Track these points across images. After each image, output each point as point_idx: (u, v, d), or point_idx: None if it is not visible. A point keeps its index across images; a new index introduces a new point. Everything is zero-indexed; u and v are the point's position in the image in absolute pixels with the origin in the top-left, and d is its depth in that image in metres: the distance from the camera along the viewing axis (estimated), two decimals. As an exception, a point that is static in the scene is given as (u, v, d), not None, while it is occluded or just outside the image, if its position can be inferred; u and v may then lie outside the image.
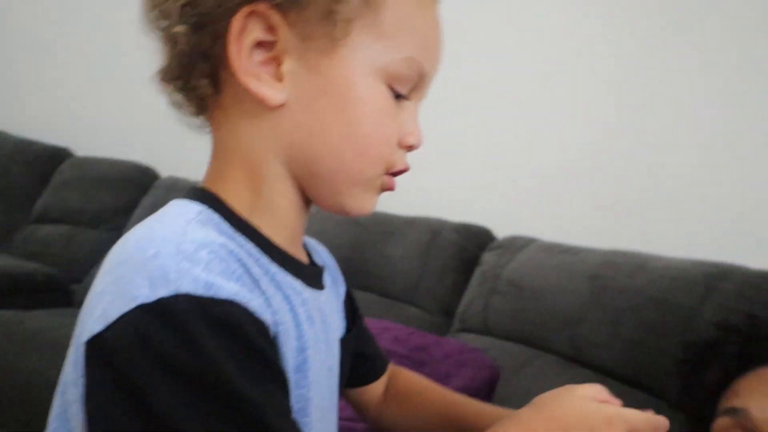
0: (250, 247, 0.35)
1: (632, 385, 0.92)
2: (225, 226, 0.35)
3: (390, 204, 1.63)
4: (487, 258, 1.33)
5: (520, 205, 1.47)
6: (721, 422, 0.48)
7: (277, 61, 0.35)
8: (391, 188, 0.40)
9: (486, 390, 1.08)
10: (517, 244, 1.30)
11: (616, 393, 0.95)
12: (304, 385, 0.35)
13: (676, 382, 0.60)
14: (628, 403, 0.97)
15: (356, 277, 1.53)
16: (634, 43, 1.25)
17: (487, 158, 1.54)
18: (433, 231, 1.45)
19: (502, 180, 1.51)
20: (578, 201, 1.35)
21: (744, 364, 0.50)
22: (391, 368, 0.56)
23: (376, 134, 0.37)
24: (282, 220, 0.38)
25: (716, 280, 0.88)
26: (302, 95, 0.35)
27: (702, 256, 0.96)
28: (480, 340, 1.21)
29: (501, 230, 1.42)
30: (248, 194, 0.37)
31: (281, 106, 0.35)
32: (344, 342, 0.46)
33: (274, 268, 0.36)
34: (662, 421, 0.38)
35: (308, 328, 0.37)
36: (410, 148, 0.40)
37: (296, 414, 0.34)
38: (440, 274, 1.39)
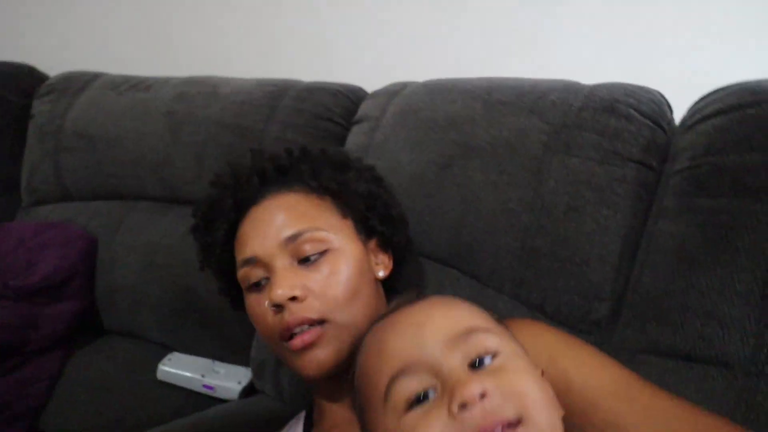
0: None
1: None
2: None
3: None
4: (40, 108, 1.06)
5: (67, 34, 1.18)
6: (242, 272, 0.53)
7: None
8: None
9: (85, 262, 0.97)
10: (75, 85, 1.08)
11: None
12: None
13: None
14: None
15: None
16: None
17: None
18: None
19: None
20: (132, 26, 1.17)
21: (239, 211, 0.56)
22: None
23: None
24: None
25: (277, 99, 0.95)
26: None
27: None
28: (62, 210, 1.04)
29: (50, 67, 1.13)
30: None
31: None
32: None
33: None
34: None
35: None
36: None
37: None
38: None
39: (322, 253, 0.52)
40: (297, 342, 0.49)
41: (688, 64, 0.82)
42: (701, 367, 0.52)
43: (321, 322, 0.50)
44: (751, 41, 0.81)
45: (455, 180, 0.69)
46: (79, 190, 1.04)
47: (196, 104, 0.98)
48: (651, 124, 0.64)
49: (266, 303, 0.51)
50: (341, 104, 0.94)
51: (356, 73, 1.01)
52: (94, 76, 1.10)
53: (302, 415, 0.56)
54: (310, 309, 0.49)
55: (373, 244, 0.58)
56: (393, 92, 0.84)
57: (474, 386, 0.36)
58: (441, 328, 0.40)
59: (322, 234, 0.52)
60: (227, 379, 0.84)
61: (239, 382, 0.83)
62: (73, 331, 0.91)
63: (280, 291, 0.49)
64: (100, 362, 0.87)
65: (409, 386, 0.39)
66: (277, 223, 0.52)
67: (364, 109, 0.87)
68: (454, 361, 0.38)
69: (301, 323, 0.49)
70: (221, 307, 0.92)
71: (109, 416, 0.78)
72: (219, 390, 0.83)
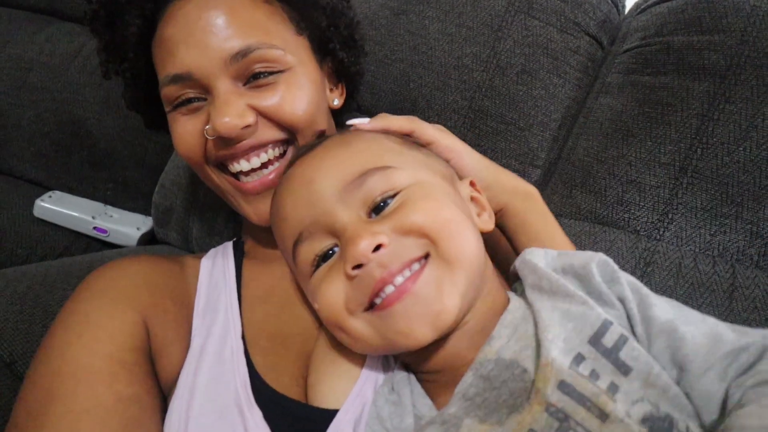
0: None
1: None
2: None
3: None
4: None
5: None
6: (168, 90, 0.43)
7: None
8: None
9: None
10: None
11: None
12: None
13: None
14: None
15: None
16: None
17: None
18: None
19: None
20: None
21: (158, 1, 0.44)
22: None
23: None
24: None
25: None
26: None
27: None
28: None
29: None
30: None
31: None
32: None
33: None
34: None
35: None
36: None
37: None
38: None
39: (276, 73, 0.43)
40: (255, 185, 0.43)
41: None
42: (612, 231, 0.57)
43: (285, 142, 0.44)
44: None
45: (409, 27, 0.64)
46: None
47: None
48: (609, 1, 0.64)
49: (206, 130, 0.42)
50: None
51: None
52: None
53: (228, 245, 0.52)
54: (269, 131, 0.43)
55: (327, 68, 0.51)
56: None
57: (363, 243, 0.33)
58: (331, 181, 0.36)
59: (276, 53, 0.43)
60: (123, 224, 0.75)
61: (138, 228, 0.75)
62: None
63: (227, 119, 0.41)
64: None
65: (311, 249, 0.37)
66: (218, 30, 0.41)
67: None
68: (349, 214, 0.35)
69: (260, 147, 0.43)
70: (116, 145, 0.80)
71: (-27, 250, 0.66)
72: (114, 234, 0.74)
